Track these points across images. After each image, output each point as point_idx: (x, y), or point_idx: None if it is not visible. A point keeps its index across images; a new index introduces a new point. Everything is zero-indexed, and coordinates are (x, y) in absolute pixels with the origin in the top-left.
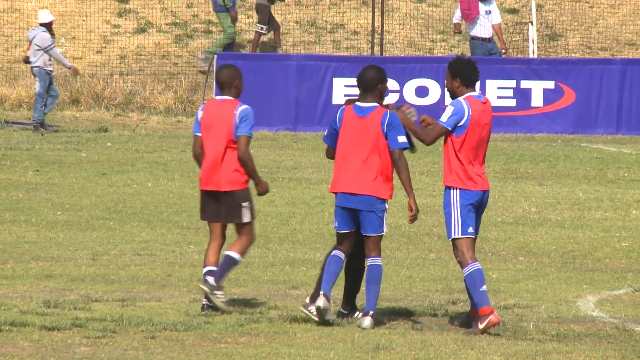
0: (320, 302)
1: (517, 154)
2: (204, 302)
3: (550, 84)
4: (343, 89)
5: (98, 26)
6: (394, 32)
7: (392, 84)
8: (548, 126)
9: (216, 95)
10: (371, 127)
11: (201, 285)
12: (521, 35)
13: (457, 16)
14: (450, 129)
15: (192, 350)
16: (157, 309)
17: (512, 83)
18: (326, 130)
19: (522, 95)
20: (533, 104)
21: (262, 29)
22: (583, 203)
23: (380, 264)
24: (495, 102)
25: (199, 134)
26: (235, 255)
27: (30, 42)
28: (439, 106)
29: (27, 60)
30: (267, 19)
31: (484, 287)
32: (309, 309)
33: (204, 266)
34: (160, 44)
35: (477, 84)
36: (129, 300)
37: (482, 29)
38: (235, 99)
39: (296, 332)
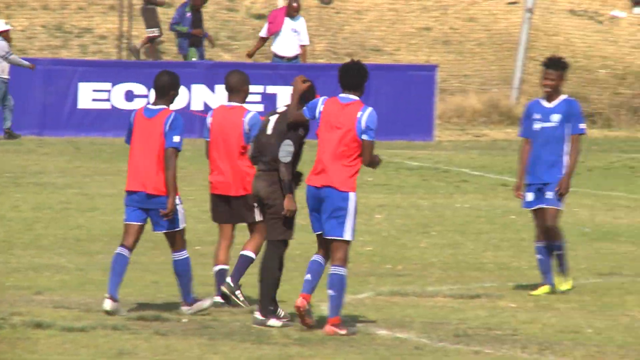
0: (108, 305)
1: None
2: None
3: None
4: (90, 93)
5: None
6: (141, 37)
7: (140, 89)
8: None
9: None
10: (156, 128)
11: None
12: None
13: (264, 30)
14: (306, 115)
15: None
16: None
17: (259, 88)
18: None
19: (269, 100)
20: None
21: (152, 32)
22: None
23: (186, 256)
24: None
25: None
26: (251, 254)
27: None
28: (184, 111)
29: None
30: (155, 23)
31: (308, 276)
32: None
33: (215, 265)
34: None
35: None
36: None
37: (284, 46)
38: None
39: (39, 338)
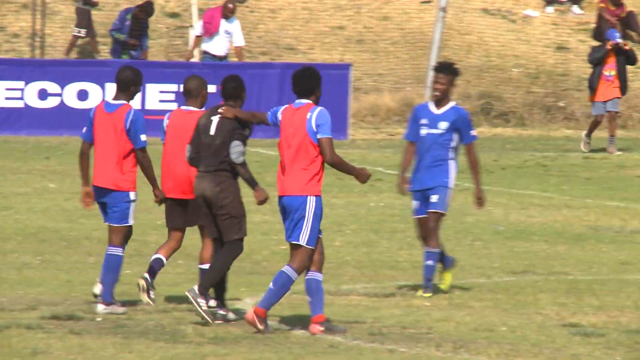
0: (97, 289)
1: None
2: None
3: (211, 88)
4: (3, 91)
5: None
6: (55, 35)
7: (52, 87)
8: None
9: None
10: (116, 123)
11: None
12: (183, 39)
13: (197, 29)
14: (269, 119)
15: None
16: None
17: (173, 87)
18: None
19: (183, 100)
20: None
21: (79, 32)
22: None
23: (120, 254)
24: (157, 105)
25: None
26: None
27: None
28: None
29: None
30: (86, 24)
31: (270, 286)
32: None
33: (156, 253)
34: None
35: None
36: None
37: (216, 46)
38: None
39: None
